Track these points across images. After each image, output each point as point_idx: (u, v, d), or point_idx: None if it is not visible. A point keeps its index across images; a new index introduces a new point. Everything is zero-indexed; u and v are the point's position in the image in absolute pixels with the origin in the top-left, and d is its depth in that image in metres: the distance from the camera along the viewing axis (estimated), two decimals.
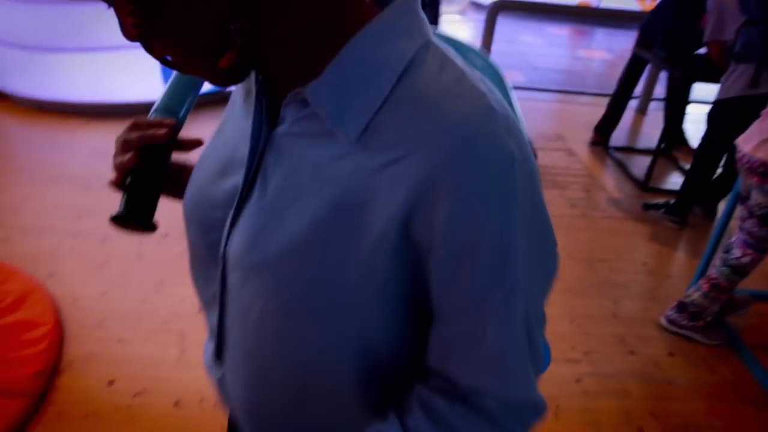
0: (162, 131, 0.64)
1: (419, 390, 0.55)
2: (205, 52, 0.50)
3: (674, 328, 2.40)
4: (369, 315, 0.53)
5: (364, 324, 0.54)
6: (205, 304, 0.67)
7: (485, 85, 0.49)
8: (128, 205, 0.61)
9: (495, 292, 0.48)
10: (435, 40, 0.51)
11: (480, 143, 0.45)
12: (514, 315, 0.49)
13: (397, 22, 0.49)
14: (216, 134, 0.65)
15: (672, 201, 3.38)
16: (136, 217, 0.61)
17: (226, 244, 0.57)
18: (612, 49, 8.36)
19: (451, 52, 0.51)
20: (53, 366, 1.98)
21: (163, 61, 0.50)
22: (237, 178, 0.56)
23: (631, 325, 2.46)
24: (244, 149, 0.55)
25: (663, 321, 2.44)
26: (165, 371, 2.02)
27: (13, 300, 2.21)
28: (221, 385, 0.70)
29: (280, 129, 0.53)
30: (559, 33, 9.38)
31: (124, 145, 0.64)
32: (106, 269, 2.54)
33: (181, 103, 0.69)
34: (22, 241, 2.70)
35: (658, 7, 3.90)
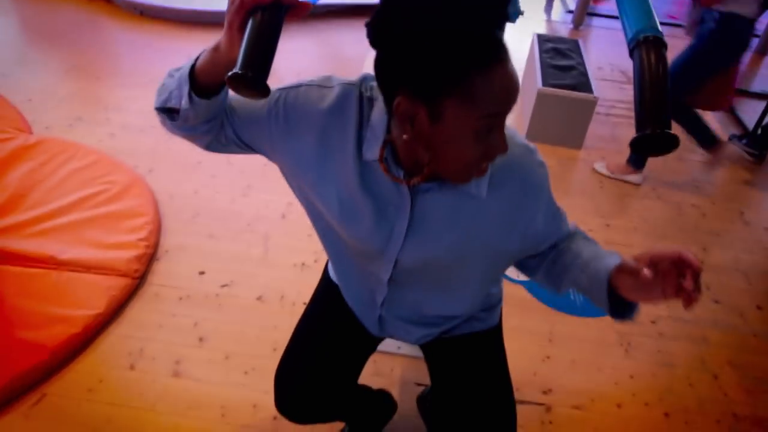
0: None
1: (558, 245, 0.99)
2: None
3: None
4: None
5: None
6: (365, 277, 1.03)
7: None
8: (245, 64, 0.62)
9: (557, 212, 0.97)
10: None
11: (544, 181, 0.91)
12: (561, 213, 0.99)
13: None
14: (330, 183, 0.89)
15: (758, 132, 3.22)
16: (253, 77, 0.62)
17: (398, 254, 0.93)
18: None
19: None
20: (152, 252, 2.15)
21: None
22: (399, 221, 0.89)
23: (719, 274, 2.35)
24: (393, 208, 0.88)
25: None
26: (249, 268, 2.15)
27: (118, 190, 2.40)
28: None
29: (425, 196, 0.86)
30: None
31: None
32: (198, 170, 2.68)
33: None
34: (126, 137, 2.88)
35: None
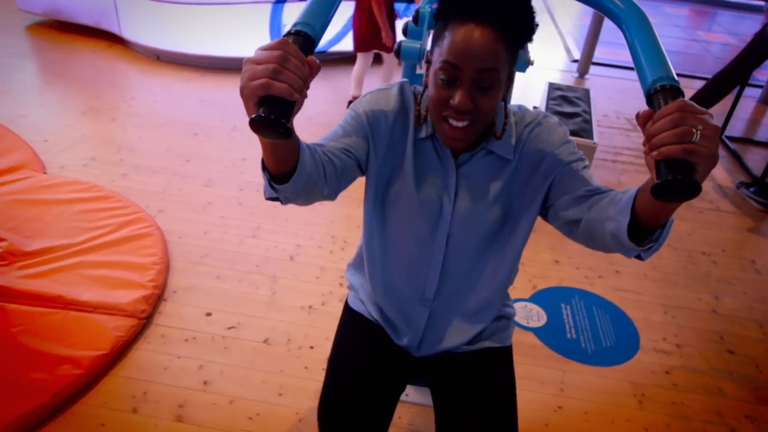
0: (305, 94, 0.68)
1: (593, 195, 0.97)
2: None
3: None
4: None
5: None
6: (418, 263, 1.12)
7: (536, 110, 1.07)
8: (267, 111, 0.63)
9: (585, 166, 1.02)
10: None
11: (567, 136, 1.03)
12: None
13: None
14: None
15: (766, 181, 3.22)
16: (275, 119, 0.63)
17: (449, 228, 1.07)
18: (736, 33, 7.68)
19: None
20: (159, 293, 2.15)
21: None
22: (444, 194, 1.05)
23: (733, 324, 2.31)
24: (441, 181, 1.04)
25: None
26: (257, 310, 2.14)
27: (128, 230, 2.41)
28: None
29: (466, 166, 1.03)
30: (677, 12, 8.72)
31: (275, 71, 0.65)
32: (208, 210, 2.70)
33: (320, 21, 0.72)
34: (138, 178, 2.92)
35: None
